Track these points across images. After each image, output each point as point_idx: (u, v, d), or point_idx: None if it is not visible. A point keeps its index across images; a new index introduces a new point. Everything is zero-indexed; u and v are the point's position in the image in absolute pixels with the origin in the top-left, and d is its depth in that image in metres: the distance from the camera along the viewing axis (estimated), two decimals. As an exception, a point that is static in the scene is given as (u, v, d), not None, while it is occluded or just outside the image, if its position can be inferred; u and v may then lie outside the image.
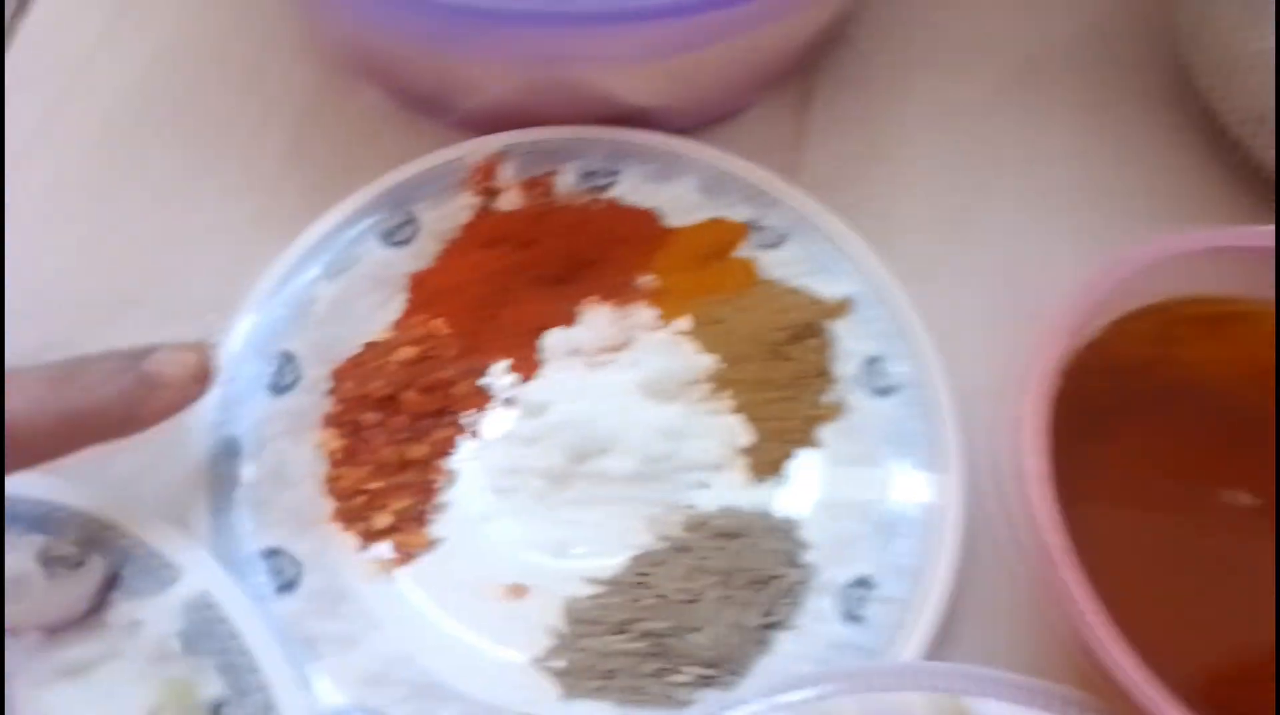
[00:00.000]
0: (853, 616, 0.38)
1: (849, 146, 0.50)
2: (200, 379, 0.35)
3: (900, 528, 0.40)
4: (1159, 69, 0.52)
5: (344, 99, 0.51)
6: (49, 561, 0.37)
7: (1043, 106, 0.52)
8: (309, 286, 0.43)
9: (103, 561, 0.37)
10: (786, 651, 0.38)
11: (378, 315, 0.44)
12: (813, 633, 0.38)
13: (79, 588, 0.36)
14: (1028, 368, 0.33)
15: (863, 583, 0.39)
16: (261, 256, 0.44)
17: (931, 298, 0.45)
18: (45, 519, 0.37)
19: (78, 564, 0.37)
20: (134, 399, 0.33)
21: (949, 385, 0.42)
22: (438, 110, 0.49)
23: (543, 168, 0.47)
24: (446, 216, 0.46)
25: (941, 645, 0.38)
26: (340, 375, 0.42)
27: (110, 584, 0.37)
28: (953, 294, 0.46)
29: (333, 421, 0.41)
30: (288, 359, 0.42)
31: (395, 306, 0.45)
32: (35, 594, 0.36)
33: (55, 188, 0.48)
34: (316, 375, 0.42)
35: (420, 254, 0.45)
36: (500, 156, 0.46)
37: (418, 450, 0.41)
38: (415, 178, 0.46)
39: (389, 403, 0.41)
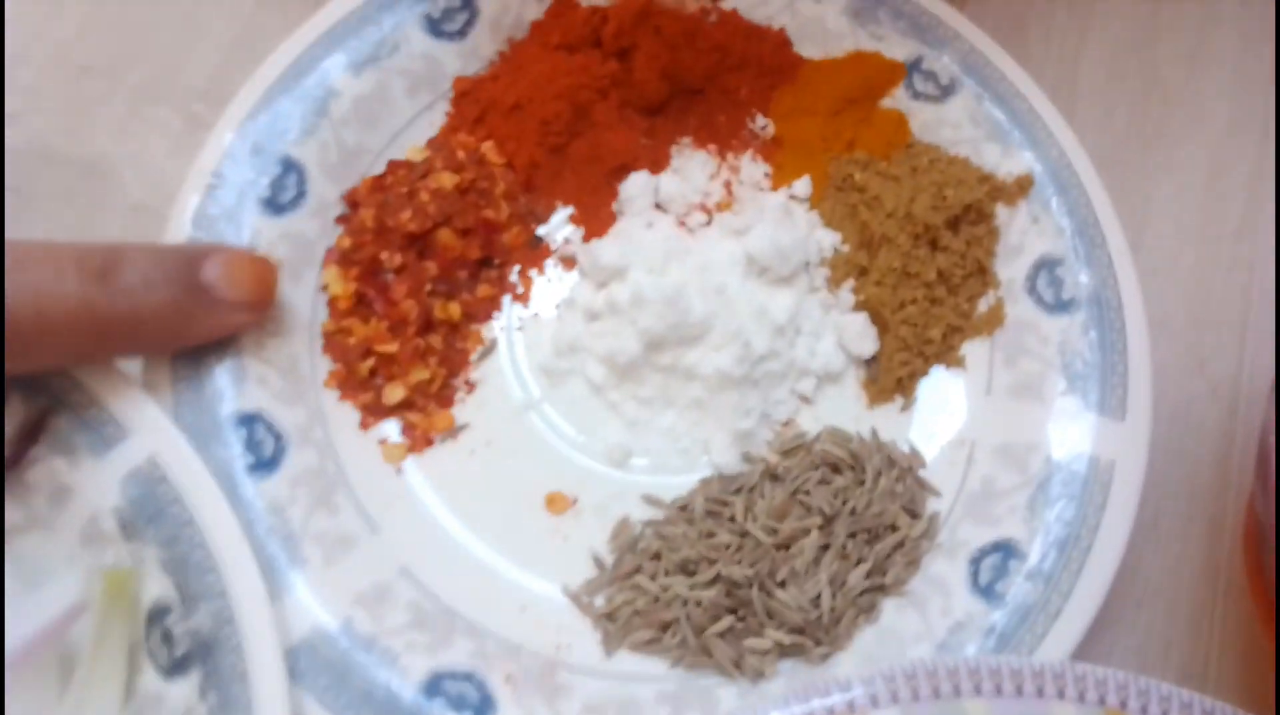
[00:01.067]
0: (987, 591, 0.30)
1: None
2: (264, 301, 0.29)
3: (1059, 486, 0.30)
4: None
5: None
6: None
7: None
8: (326, 76, 0.33)
9: (24, 400, 0.28)
10: (897, 626, 0.30)
11: (413, 127, 0.34)
12: (933, 605, 0.30)
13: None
14: None
15: (1005, 549, 0.30)
16: (274, 25, 0.35)
17: (1127, 192, 0.36)
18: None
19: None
20: (182, 313, 0.28)
21: (1142, 308, 0.32)
22: None
23: None
24: (512, 6, 0.35)
25: (1091, 640, 0.30)
26: (357, 198, 0.32)
27: (33, 432, 0.28)
28: (1150, 190, 0.37)
29: (343, 258, 0.32)
30: (290, 168, 0.32)
31: (436, 118, 0.34)
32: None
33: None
34: (326, 194, 0.32)
35: (474, 52, 0.35)
36: None
37: (449, 308, 0.32)
38: None
39: (417, 242, 0.31)
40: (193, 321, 0.28)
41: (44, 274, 0.25)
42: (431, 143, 0.34)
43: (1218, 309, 0.35)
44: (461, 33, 0.34)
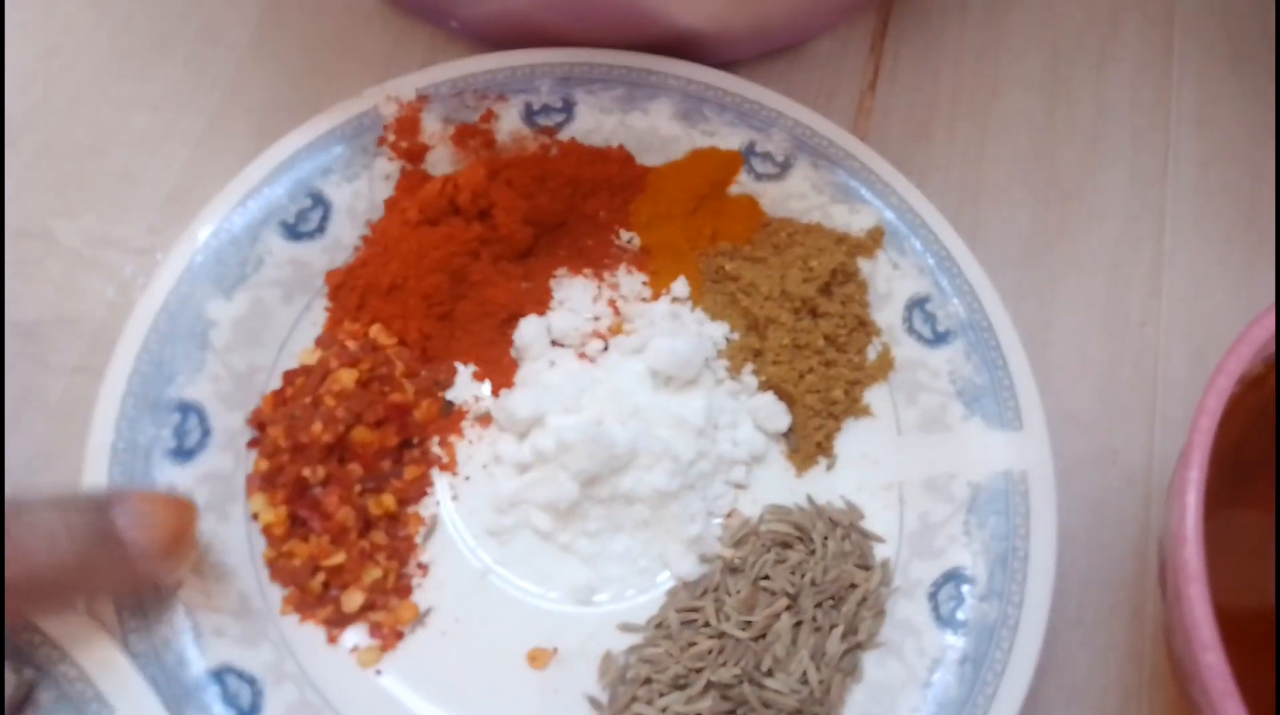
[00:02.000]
0: (950, 621, 0.32)
1: (921, 95, 0.41)
2: (182, 550, 0.28)
3: (985, 505, 0.33)
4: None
5: None
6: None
7: (1167, 57, 0.42)
8: (201, 310, 0.33)
9: (17, 674, 0.27)
10: (881, 678, 0.32)
11: (297, 331, 0.34)
12: (908, 648, 0.32)
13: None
14: (1193, 435, 0.26)
15: (956, 577, 0.32)
16: (200, 193, 0.36)
17: (1032, 288, 0.38)
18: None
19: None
20: (94, 569, 0.26)
21: (1010, 324, 0.35)
22: (435, 13, 0.39)
23: (475, 109, 0.37)
24: (361, 191, 0.35)
25: (1054, 644, 0.33)
26: (263, 419, 0.32)
27: (19, 706, 0.27)
28: (1055, 286, 0.39)
29: (265, 483, 0.32)
30: (189, 410, 0.32)
31: (317, 316, 0.35)
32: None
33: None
34: (231, 424, 0.32)
35: (337, 244, 0.35)
36: (421, 102, 0.36)
37: (383, 501, 0.32)
38: (312, 145, 0.35)
39: (335, 448, 0.32)
40: (100, 577, 0.27)
41: None
42: (320, 341, 0.34)
43: (1127, 399, 0.37)
44: (320, 229, 0.35)
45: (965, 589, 0.32)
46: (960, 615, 0.32)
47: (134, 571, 0.27)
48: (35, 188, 0.38)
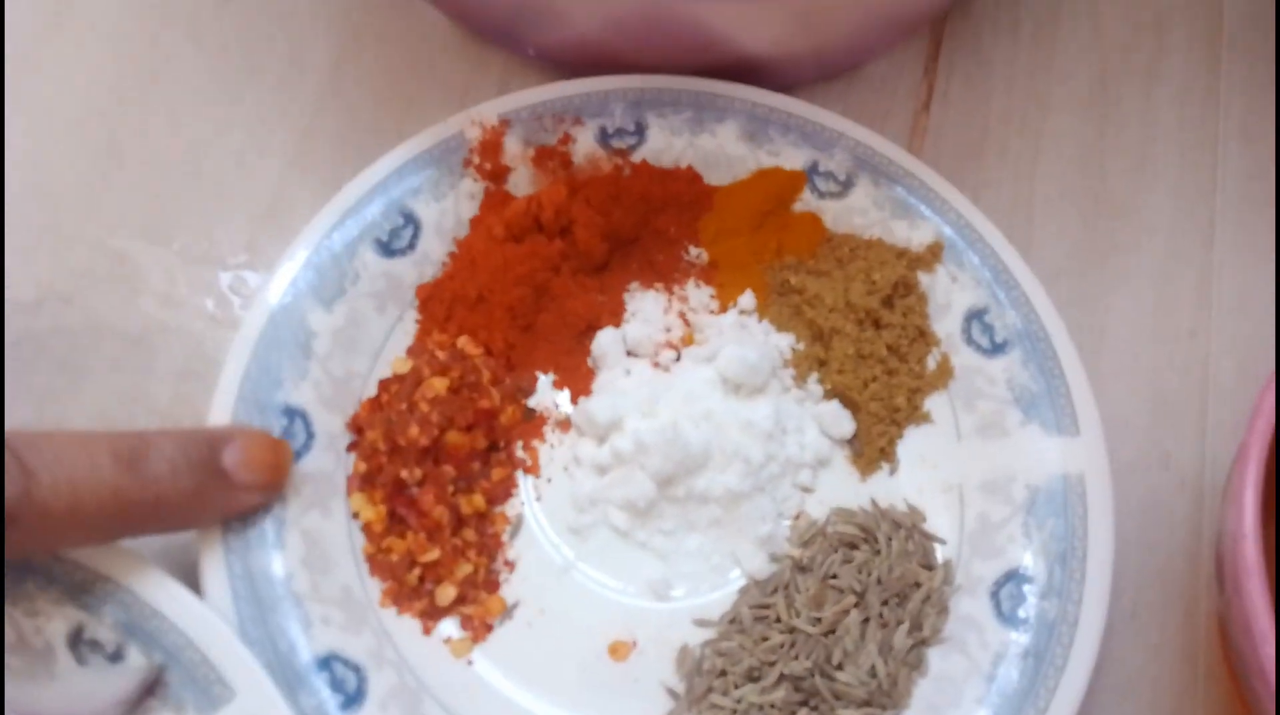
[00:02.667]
0: (1011, 618, 0.33)
1: (974, 114, 0.43)
2: (277, 483, 0.32)
3: (1044, 506, 0.34)
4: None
5: (399, 18, 0.44)
6: (81, 644, 0.30)
7: (1214, 75, 0.44)
8: (304, 321, 0.35)
9: (145, 659, 0.29)
10: (946, 671, 0.33)
11: (390, 342, 0.36)
12: (971, 643, 0.33)
13: (112, 686, 0.29)
14: (1249, 435, 0.27)
15: (1016, 576, 0.34)
16: (291, 210, 0.40)
17: (1084, 300, 0.40)
18: (83, 588, 0.30)
19: (115, 656, 0.29)
20: (206, 496, 0.30)
21: (1066, 333, 0.36)
22: (511, 40, 0.41)
23: (553, 133, 0.39)
24: (449, 210, 0.38)
25: (1110, 641, 0.34)
26: (361, 424, 0.35)
27: (150, 689, 0.30)
28: (1106, 298, 0.40)
29: (364, 483, 0.34)
30: (293, 414, 0.34)
31: (408, 327, 0.37)
32: (59, 682, 0.29)
33: (59, 98, 0.42)
34: (331, 426, 0.35)
35: (426, 258, 0.37)
36: (503, 125, 0.38)
37: (474, 501, 0.34)
38: (403, 167, 0.37)
39: (429, 451, 0.34)
40: (211, 503, 0.31)
41: (80, 465, 0.27)
42: (411, 351, 0.36)
43: (1177, 406, 0.38)
44: (411, 246, 0.37)
45: (1026, 587, 0.34)
46: (1021, 613, 0.33)
47: (234, 502, 0.31)
48: (139, 206, 0.40)
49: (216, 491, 0.30)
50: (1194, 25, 0.45)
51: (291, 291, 0.35)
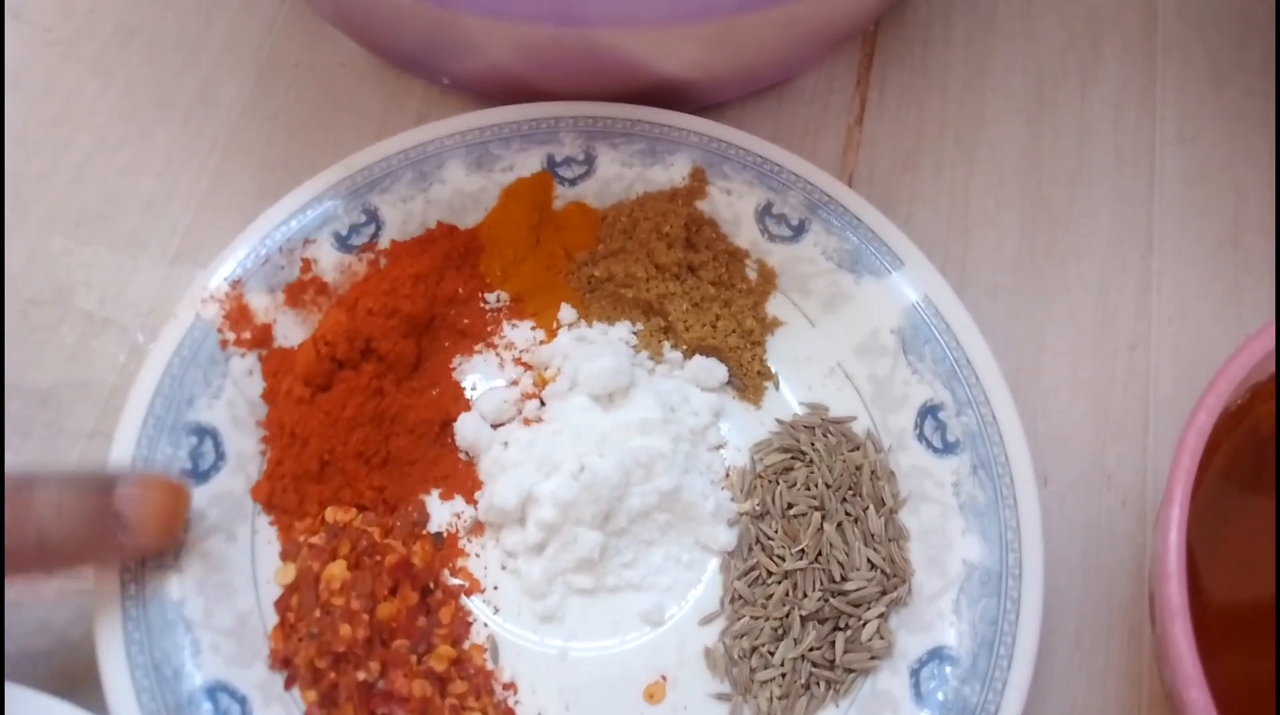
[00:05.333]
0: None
1: (908, 126, 0.42)
2: (172, 530, 0.31)
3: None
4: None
5: (314, 47, 0.43)
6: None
7: (1149, 77, 0.43)
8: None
9: None
10: (923, 525, 0.34)
11: (260, 563, 0.34)
12: (928, 492, 0.34)
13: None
14: (1175, 471, 0.26)
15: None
16: (201, 250, 0.38)
17: (1022, 314, 0.39)
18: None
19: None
20: (95, 538, 0.29)
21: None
22: (426, 70, 0.40)
23: (291, 265, 0.36)
24: (235, 400, 0.34)
25: (1053, 669, 0.34)
26: (284, 656, 0.32)
27: None
28: (1045, 310, 0.39)
29: (326, 705, 0.31)
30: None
31: (269, 536, 0.34)
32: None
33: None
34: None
35: (241, 463, 0.34)
36: (237, 287, 0.35)
37: (441, 654, 0.32)
38: (163, 382, 0.33)
39: (371, 639, 0.32)
40: (100, 546, 0.29)
41: None
42: (284, 555, 0.33)
43: (1119, 421, 0.37)
44: (219, 460, 0.33)
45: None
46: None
47: (131, 544, 0.30)
48: (47, 255, 0.39)
49: (106, 534, 0.29)
50: (1128, 29, 0.44)
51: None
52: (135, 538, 0.29)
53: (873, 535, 0.34)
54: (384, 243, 0.37)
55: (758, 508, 0.34)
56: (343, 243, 0.36)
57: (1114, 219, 0.41)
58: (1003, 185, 0.41)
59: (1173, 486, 0.26)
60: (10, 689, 0.28)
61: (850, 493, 0.34)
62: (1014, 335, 0.38)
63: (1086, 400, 0.38)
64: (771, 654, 0.32)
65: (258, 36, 0.43)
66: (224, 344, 0.34)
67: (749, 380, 0.36)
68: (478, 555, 0.34)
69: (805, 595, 0.33)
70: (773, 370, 0.37)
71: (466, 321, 0.37)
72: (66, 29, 0.43)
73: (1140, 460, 0.37)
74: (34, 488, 0.28)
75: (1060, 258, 0.40)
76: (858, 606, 0.33)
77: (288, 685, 0.32)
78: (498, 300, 0.37)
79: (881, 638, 0.32)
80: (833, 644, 0.32)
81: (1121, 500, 0.36)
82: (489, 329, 0.37)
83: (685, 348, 0.37)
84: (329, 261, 0.36)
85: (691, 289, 0.37)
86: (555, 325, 0.37)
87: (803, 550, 0.33)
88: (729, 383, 0.37)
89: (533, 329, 0.37)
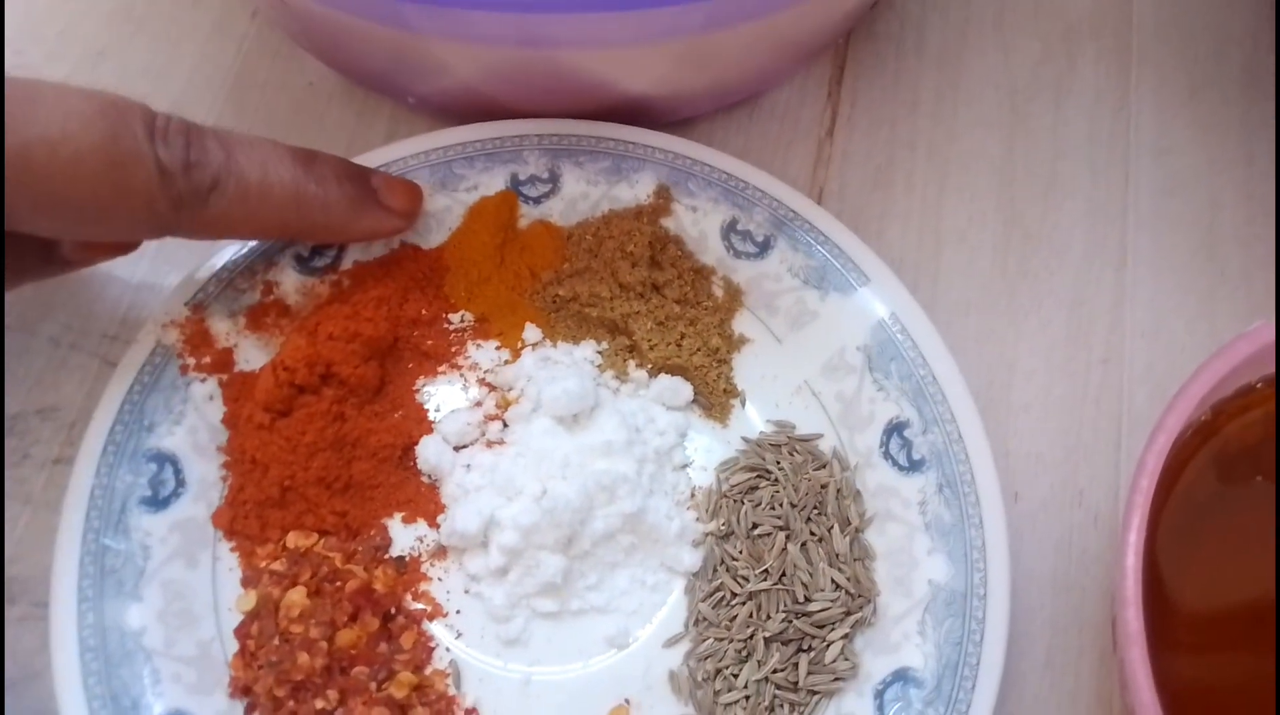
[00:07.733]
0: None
1: (879, 140, 0.42)
2: (414, 212, 0.36)
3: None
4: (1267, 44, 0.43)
5: (282, 67, 0.42)
6: None
7: (1124, 89, 0.42)
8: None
9: None
10: (890, 545, 0.34)
11: (221, 591, 0.34)
12: (893, 507, 0.34)
13: None
14: (1133, 495, 0.26)
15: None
16: (169, 273, 0.38)
17: (996, 330, 0.39)
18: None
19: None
20: (359, 208, 0.33)
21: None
22: (393, 90, 0.40)
23: (253, 289, 0.35)
24: (196, 426, 0.34)
25: (1023, 690, 0.33)
26: (244, 685, 0.32)
27: None
28: (1018, 326, 0.39)
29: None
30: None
31: (230, 563, 0.34)
32: None
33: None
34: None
35: (202, 490, 0.34)
36: (198, 311, 0.35)
37: (402, 681, 0.32)
38: (123, 411, 0.33)
39: (330, 667, 0.32)
40: (363, 216, 0.34)
41: (268, 152, 0.31)
42: (245, 581, 0.33)
43: (1091, 437, 0.37)
44: (180, 487, 0.33)
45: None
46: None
47: (379, 222, 0.34)
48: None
49: (367, 206, 0.33)
50: (1103, 38, 0.44)
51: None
52: (386, 215, 0.34)
53: (837, 555, 0.33)
54: (347, 263, 0.36)
55: (723, 528, 0.34)
56: (305, 265, 0.36)
57: (1088, 232, 0.40)
58: (975, 199, 0.41)
59: (1130, 511, 0.25)
60: None
61: (815, 512, 0.34)
62: (986, 352, 0.38)
63: (1058, 416, 0.37)
64: (735, 676, 0.32)
65: (227, 58, 0.43)
66: (184, 369, 0.34)
67: (715, 398, 0.36)
68: (440, 580, 0.34)
69: (769, 616, 0.33)
70: (739, 388, 0.36)
71: (430, 343, 0.36)
72: (37, 52, 0.43)
73: (1113, 476, 0.37)
74: (316, 156, 0.32)
75: (1033, 273, 0.40)
76: (821, 628, 0.32)
77: (248, 714, 0.31)
78: (462, 320, 0.37)
79: (846, 659, 0.32)
80: (796, 666, 0.32)
81: (1093, 517, 0.36)
82: (453, 350, 0.37)
83: (651, 367, 0.36)
84: (291, 284, 0.36)
85: (656, 308, 0.36)
86: (520, 345, 0.37)
87: (766, 571, 0.33)
88: (695, 401, 0.36)
89: (497, 349, 0.37)
